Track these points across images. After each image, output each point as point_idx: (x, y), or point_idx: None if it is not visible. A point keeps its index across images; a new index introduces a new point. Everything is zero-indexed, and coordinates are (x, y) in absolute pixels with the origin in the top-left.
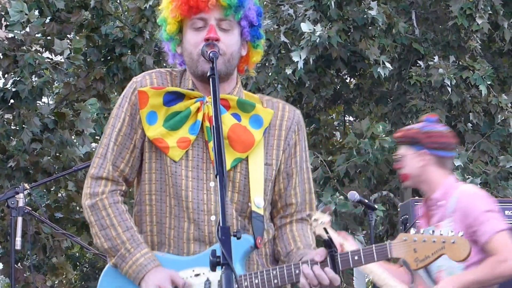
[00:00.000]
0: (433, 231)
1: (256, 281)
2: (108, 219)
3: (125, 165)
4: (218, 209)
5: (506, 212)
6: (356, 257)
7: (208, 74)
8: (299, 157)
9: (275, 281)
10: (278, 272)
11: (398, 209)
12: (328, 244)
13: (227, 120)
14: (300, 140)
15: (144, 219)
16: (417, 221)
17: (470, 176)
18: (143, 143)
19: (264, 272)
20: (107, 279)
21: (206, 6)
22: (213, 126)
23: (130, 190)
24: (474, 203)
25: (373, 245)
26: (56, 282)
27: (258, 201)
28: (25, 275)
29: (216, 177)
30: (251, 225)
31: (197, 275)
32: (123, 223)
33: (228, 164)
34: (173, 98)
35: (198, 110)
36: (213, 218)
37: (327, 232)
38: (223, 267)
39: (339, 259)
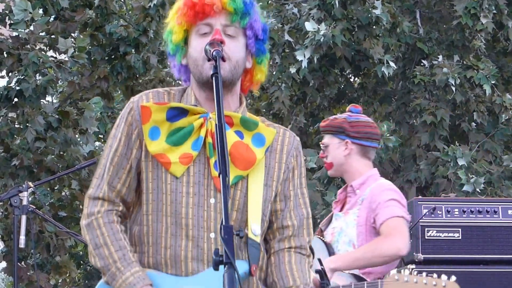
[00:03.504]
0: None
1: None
2: (101, 238)
3: (122, 185)
4: (218, 227)
5: (510, 211)
6: None
7: (211, 72)
8: (297, 182)
9: None
10: None
11: None
12: (321, 275)
13: (230, 137)
14: (298, 166)
15: (143, 239)
16: (420, 221)
17: (473, 176)
18: (138, 163)
19: None
20: None
21: (211, 10)
22: (216, 125)
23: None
24: (382, 193)
25: (365, 282)
26: (59, 281)
27: (254, 229)
28: (28, 273)
29: (219, 176)
30: (247, 252)
31: None
32: (116, 243)
33: (229, 181)
34: (176, 113)
35: (201, 126)
36: (212, 235)
37: (321, 264)
38: (226, 266)
39: None
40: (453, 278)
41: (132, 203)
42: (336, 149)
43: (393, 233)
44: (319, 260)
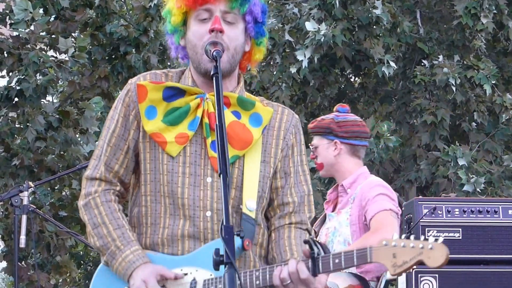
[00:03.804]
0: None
1: (238, 282)
2: (99, 217)
3: (119, 166)
4: (214, 205)
5: (510, 211)
6: (336, 260)
7: (212, 72)
8: (297, 159)
9: (257, 282)
10: (260, 273)
11: (402, 208)
12: (310, 245)
13: (227, 117)
14: (297, 143)
15: (141, 220)
16: (420, 221)
17: (474, 176)
18: (136, 144)
19: (248, 273)
20: (99, 277)
21: None
22: (216, 125)
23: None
24: (371, 189)
25: (355, 249)
26: (60, 281)
27: (250, 204)
28: (29, 273)
29: (219, 176)
30: (241, 227)
31: (184, 274)
32: (114, 221)
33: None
34: (173, 93)
35: (198, 106)
36: (208, 214)
37: (310, 234)
38: (226, 266)
39: (320, 261)
40: (441, 239)
41: (130, 184)
42: (325, 150)
43: (380, 227)
44: (308, 231)
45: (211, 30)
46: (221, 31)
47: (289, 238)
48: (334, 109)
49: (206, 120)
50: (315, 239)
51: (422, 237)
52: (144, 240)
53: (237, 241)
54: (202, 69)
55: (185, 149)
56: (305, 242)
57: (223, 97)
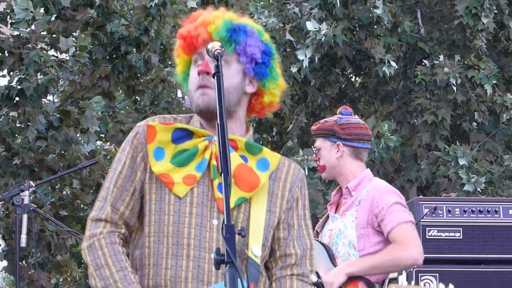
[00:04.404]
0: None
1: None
2: (103, 258)
3: (125, 207)
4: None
5: (510, 211)
6: None
7: (213, 72)
8: (301, 213)
9: None
10: None
11: None
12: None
13: (234, 159)
14: (302, 196)
15: (144, 262)
16: (421, 220)
17: (474, 175)
18: (142, 185)
19: None
20: None
21: (197, 42)
22: (217, 124)
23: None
24: (384, 195)
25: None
26: (60, 280)
27: (255, 250)
28: (29, 272)
29: (221, 175)
30: (246, 271)
31: None
32: (117, 263)
33: (232, 202)
34: (182, 135)
35: (205, 148)
36: (213, 256)
37: (318, 277)
38: (227, 265)
39: None
40: (451, 286)
41: (134, 228)
42: (328, 152)
43: (408, 243)
44: (317, 273)
45: (198, 73)
46: (207, 73)
47: None
48: (337, 111)
49: (214, 162)
50: (322, 282)
51: (432, 285)
52: (146, 281)
53: (244, 284)
54: (195, 106)
55: (192, 190)
56: (314, 284)
57: (231, 140)
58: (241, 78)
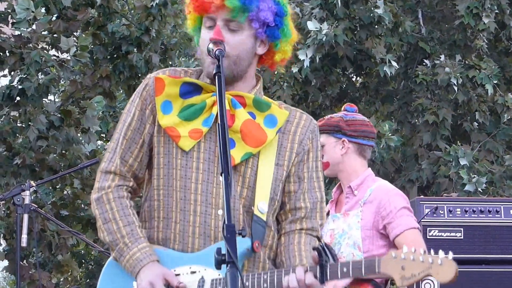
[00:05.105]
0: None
1: (247, 283)
2: (110, 213)
3: (133, 159)
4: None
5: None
6: (345, 269)
7: (214, 72)
8: (312, 165)
9: (265, 285)
10: (268, 277)
11: None
12: (320, 252)
13: (241, 115)
14: (313, 148)
15: (153, 214)
16: (422, 220)
17: (475, 175)
18: (151, 138)
19: (256, 275)
20: (109, 269)
21: (209, 6)
22: (218, 124)
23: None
24: (392, 198)
25: (363, 259)
26: (61, 280)
27: (261, 206)
28: (30, 272)
29: (221, 175)
30: (251, 228)
31: (193, 272)
32: (124, 218)
33: (238, 157)
34: (190, 90)
35: (213, 104)
36: (220, 212)
37: (319, 240)
38: (228, 265)
39: (328, 269)
40: (450, 255)
41: (143, 179)
42: (333, 148)
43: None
44: (318, 238)
45: (211, 40)
46: (221, 41)
47: (299, 244)
48: (342, 108)
49: None
50: (325, 246)
51: (432, 252)
52: (156, 234)
53: (247, 243)
54: (206, 72)
55: (199, 145)
56: (315, 249)
57: (239, 96)
58: (253, 42)
